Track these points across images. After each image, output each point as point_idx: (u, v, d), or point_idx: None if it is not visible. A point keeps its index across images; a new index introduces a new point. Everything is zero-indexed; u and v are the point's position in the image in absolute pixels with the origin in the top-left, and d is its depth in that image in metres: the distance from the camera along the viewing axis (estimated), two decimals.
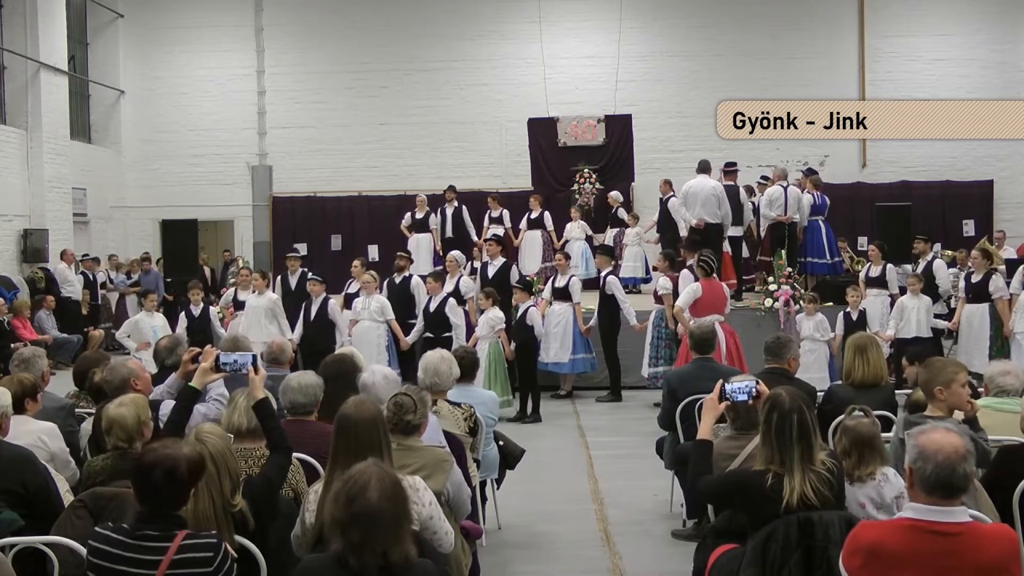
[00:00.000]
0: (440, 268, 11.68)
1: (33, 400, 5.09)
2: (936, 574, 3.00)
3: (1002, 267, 13.49)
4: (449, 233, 15.35)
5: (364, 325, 11.12)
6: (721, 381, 4.31)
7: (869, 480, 4.10)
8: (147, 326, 11.47)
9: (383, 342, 11.05)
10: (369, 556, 2.89)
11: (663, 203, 14.17)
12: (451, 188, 15.84)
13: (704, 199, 12.53)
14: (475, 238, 15.33)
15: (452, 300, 10.98)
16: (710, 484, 4.12)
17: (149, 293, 11.96)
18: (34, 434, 4.83)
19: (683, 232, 13.04)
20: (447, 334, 10.65)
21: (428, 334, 10.81)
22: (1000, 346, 11.06)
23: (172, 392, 5.41)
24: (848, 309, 11.14)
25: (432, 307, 10.94)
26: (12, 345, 12.14)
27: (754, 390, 4.24)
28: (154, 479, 3.21)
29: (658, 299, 11.37)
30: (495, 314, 10.68)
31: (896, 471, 4.39)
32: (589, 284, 13.48)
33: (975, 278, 11.37)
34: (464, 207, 15.62)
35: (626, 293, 11.98)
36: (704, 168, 12.91)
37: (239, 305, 11.77)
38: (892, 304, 11.47)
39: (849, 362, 5.91)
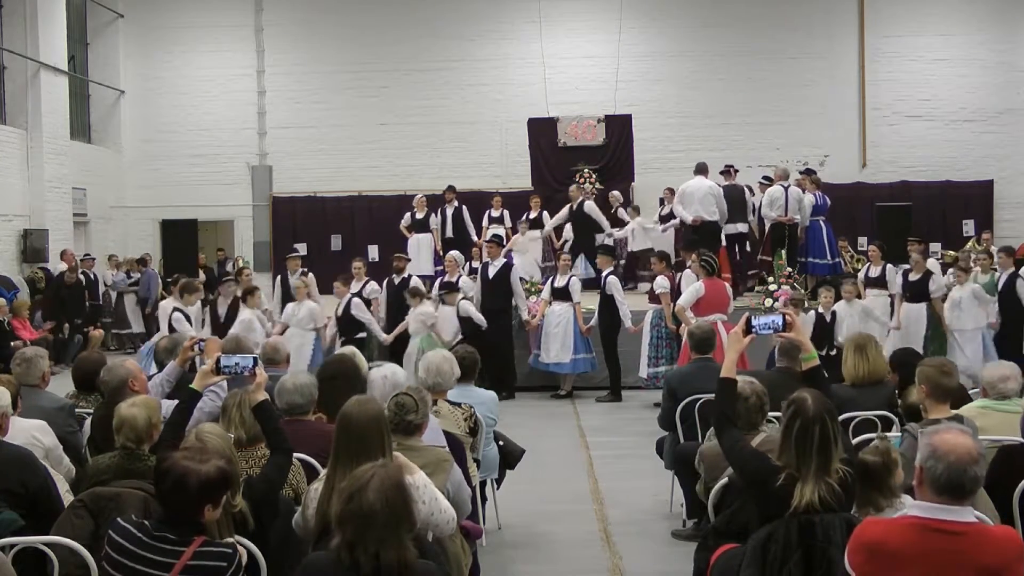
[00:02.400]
0: (347, 274, 11.83)
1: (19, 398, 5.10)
2: (939, 573, 2.99)
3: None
4: (449, 233, 15.35)
5: (289, 332, 10.93)
6: (748, 313, 4.24)
7: (891, 507, 4.02)
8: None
9: (306, 352, 10.81)
10: (361, 555, 2.92)
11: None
12: (450, 188, 15.84)
13: (701, 198, 12.89)
14: (475, 238, 15.32)
15: (356, 300, 11.17)
16: (739, 449, 3.90)
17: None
18: (27, 432, 4.83)
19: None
20: (360, 335, 10.92)
21: (342, 336, 10.97)
22: (939, 345, 11.06)
23: (171, 380, 5.48)
24: (820, 310, 10.74)
25: (340, 310, 11.13)
26: (12, 344, 12.14)
27: (781, 324, 4.11)
28: (164, 487, 3.25)
29: (654, 299, 11.37)
30: (425, 309, 10.84)
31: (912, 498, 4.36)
32: (589, 284, 13.47)
33: (913, 276, 11.30)
34: (464, 207, 15.62)
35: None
36: (701, 169, 13.27)
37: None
38: (892, 304, 11.49)
39: (847, 361, 5.90)
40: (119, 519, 3.33)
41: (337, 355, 5.89)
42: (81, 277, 15.57)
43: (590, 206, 14.60)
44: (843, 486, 3.66)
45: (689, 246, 11.74)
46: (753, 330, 4.13)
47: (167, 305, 10.66)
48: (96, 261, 17.32)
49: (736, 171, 14.42)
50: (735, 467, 4.00)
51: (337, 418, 3.80)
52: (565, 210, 14.97)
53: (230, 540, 3.37)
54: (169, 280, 16.61)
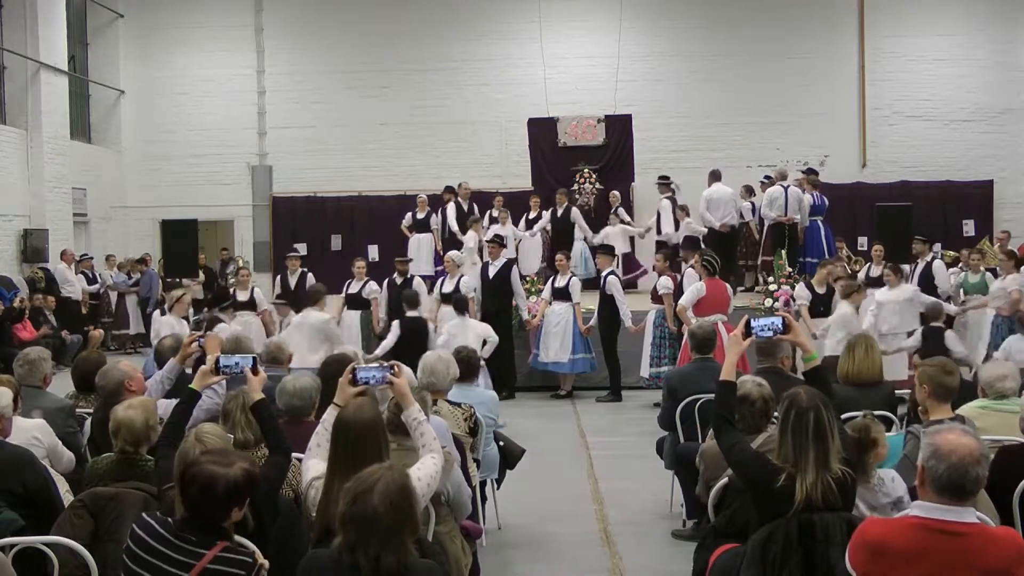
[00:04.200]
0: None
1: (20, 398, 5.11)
2: (941, 573, 2.99)
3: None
4: (449, 233, 15.34)
5: None
6: (747, 316, 4.23)
7: (864, 483, 4.07)
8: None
9: None
10: (361, 556, 2.92)
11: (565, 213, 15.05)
12: (448, 189, 15.84)
13: (725, 203, 13.85)
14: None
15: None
16: (739, 450, 3.89)
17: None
18: (27, 432, 4.84)
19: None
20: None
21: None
22: None
23: (171, 378, 5.50)
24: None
25: None
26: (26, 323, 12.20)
27: (780, 326, 4.09)
28: (192, 492, 3.22)
29: (656, 299, 11.37)
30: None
31: (897, 474, 4.39)
32: (588, 284, 13.46)
33: (819, 290, 10.81)
34: (464, 207, 15.61)
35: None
36: (718, 176, 14.16)
37: (238, 306, 11.76)
38: None
39: (842, 361, 5.93)
40: (144, 514, 3.33)
41: (337, 355, 5.89)
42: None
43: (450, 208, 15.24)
44: (843, 487, 3.66)
45: (692, 246, 11.76)
46: (752, 332, 4.11)
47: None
48: (95, 261, 17.34)
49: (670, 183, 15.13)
50: (734, 468, 4.00)
51: (333, 424, 3.79)
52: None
53: (251, 548, 3.35)
54: (169, 280, 16.69)
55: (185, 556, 3.17)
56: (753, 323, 4.12)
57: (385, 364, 3.97)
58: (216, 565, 3.16)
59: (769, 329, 4.11)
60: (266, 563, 3.30)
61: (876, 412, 5.57)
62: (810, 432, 3.64)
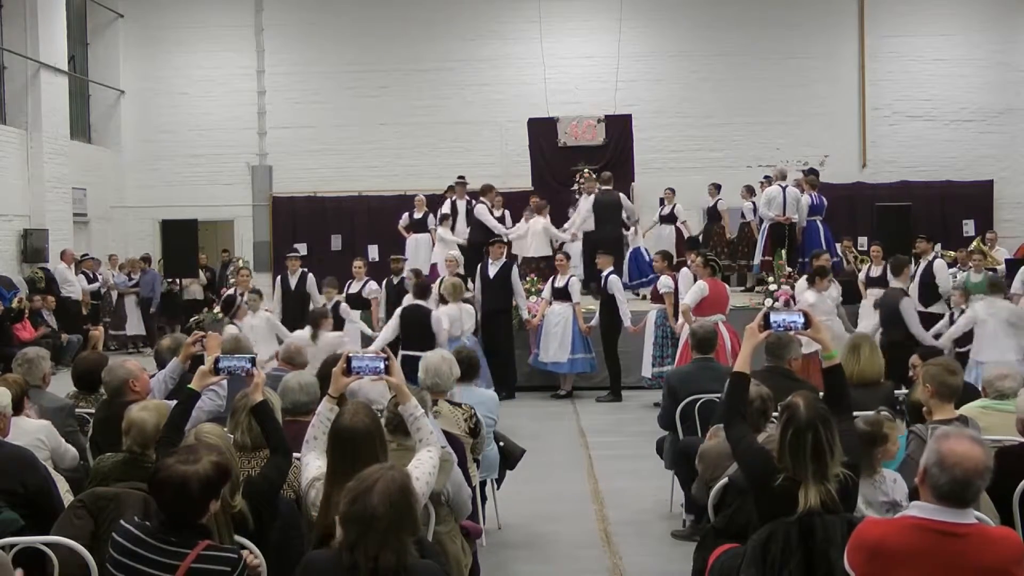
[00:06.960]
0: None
1: (27, 398, 5.12)
2: (939, 574, 2.99)
3: (1001, 267, 13.52)
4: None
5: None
6: (765, 308, 4.17)
7: (867, 476, 4.07)
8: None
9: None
10: (361, 556, 2.92)
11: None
12: (451, 188, 15.82)
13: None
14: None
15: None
16: (746, 444, 3.87)
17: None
18: (31, 434, 4.84)
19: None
20: None
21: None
22: None
23: (174, 377, 5.53)
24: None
25: None
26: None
27: (801, 323, 3.95)
28: (165, 498, 3.23)
29: (657, 298, 11.37)
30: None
31: (901, 477, 4.38)
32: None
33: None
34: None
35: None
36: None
37: None
38: None
39: (845, 360, 5.86)
40: (122, 521, 3.32)
41: (335, 356, 5.88)
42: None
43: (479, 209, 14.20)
44: (843, 491, 3.65)
45: (692, 246, 11.75)
46: (772, 326, 3.98)
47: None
48: (97, 261, 17.33)
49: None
50: (739, 462, 4.00)
51: (330, 432, 3.77)
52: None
53: (236, 547, 3.35)
54: (170, 281, 16.71)
55: (167, 558, 3.17)
56: (773, 317, 3.97)
57: (381, 354, 3.95)
58: (200, 564, 3.15)
59: (783, 326, 3.97)
60: (259, 560, 3.29)
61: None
62: (808, 451, 3.61)
